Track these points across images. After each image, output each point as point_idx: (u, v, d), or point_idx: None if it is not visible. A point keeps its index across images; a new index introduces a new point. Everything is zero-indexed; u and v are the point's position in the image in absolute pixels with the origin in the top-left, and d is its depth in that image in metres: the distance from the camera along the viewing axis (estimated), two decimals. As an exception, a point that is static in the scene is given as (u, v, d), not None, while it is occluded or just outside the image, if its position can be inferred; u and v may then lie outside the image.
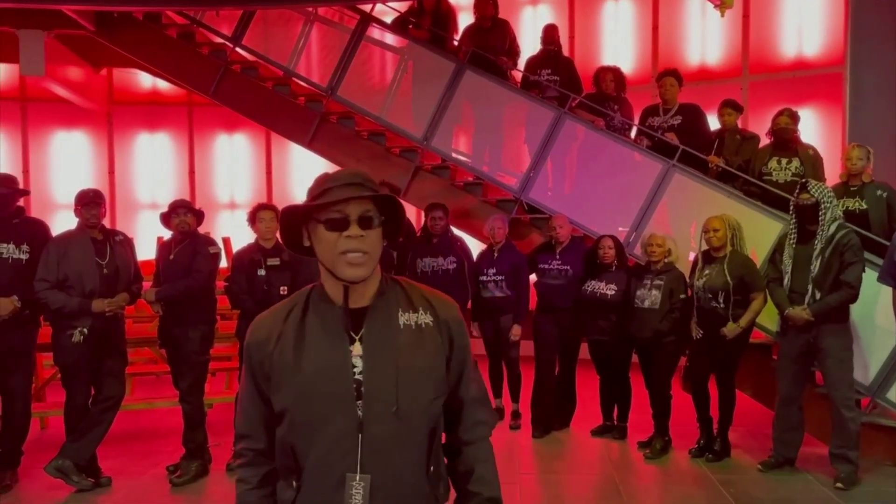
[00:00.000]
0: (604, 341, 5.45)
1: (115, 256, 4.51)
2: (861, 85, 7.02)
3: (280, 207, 5.01)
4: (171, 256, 4.71)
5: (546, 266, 5.65)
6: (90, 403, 4.53)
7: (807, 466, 4.81)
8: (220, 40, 7.66)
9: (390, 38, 7.44)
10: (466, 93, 6.89)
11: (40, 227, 4.58)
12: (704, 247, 5.00)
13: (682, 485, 4.65)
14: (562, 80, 6.84)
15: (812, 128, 7.35)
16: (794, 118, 5.65)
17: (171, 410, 5.27)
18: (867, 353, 4.98)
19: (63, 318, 4.36)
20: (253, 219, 4.90)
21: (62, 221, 5.45)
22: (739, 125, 6.25)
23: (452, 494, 1.72)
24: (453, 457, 1.70)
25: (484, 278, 5.73)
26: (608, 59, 8.13)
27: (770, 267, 4.85)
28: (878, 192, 5.27)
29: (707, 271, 4.93)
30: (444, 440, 1.69)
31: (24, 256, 4.38)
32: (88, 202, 4.45)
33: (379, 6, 7.37)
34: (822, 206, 4.51)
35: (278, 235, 4.93)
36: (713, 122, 6.37)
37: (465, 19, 7.78)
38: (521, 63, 7.21)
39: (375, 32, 7.34)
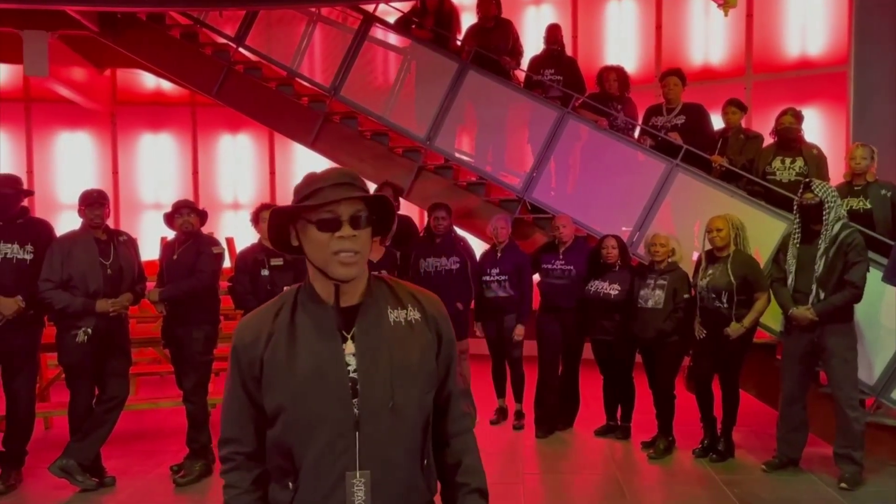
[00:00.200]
0: (607, 341, 5.44)
1: (119, 257, 4.52)
2: (865, 84, 7.00)
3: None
4: (175, 256, 4.72)
5: (549, 266, 5.64)
6: (94, 403, 4.54)
7: (811, 467, 4.80)
8: (223, 41, 7.68)
9: (393, 39, 7.45)
10: (469, 93, 6.89)
11: (44, 228, 4.59)
12: (708, 246, 4.99)
13: (686, 485, 4.65)
14: (565, 80, 6.83)
15: (816, 127, 7.32)
16: (798, 118, 5.64)
17: (175, 410, 5.28)
18: (871, 352, 4.96)
19: (67, 318, 4.37)
20: (256, 219, 4.91)
21: (66, 222, 5.48)
22: (743, 125, 6.24)
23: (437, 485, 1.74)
24: (440, 449, 1.72)
25: (487, 278, 5.73)
26: (611, 58, 8.12)
27: (774, 267, 4.84)
28: (883, 192, 5.26)
29: (710, 271, 4.92)
30: None
31: (28, 257, 4.39)
32: (92, 202, 4.46)
33: (382, 6, 7.38)
34: (826, 205, 4.50)
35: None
36: (717, 122, 6.36)
37: (467, 19, 7.77)
38: (525, 63, 7.20)
39: (378, 32, 7.34)
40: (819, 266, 4.50)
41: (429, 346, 1.64)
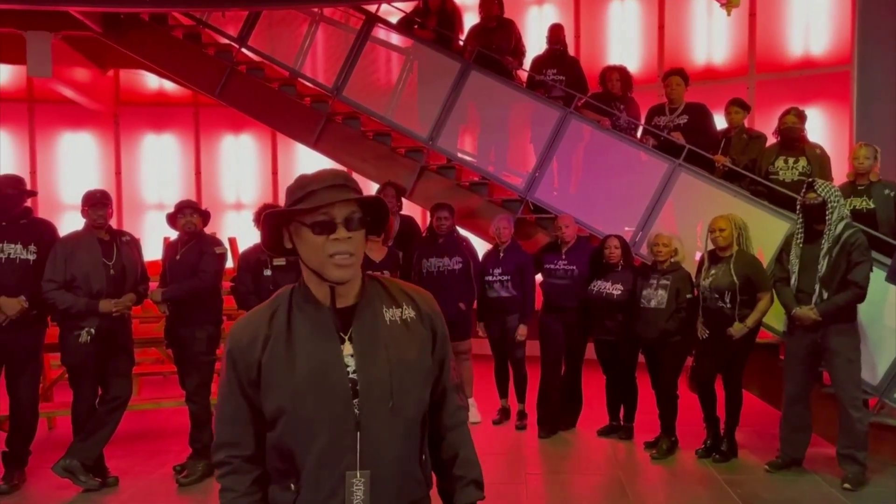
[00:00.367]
0: (610, 341, 5.44)
1: (122, 257, 4.53)
2: (868, 84, 6.98)
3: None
4: (178, 257, 4.72)
5: (552, 266, 5.64)
6: (97, 403, 4.55)
7: (814, 467, 4.79)
8: (225, 41, 7.69)
9: (396, 39, 7.45)
10: (472, 93, 6.88)
11: (47, 228, 4.60)
12: (710, 246, 4.98)
13: (689, 485, 4.64)
14: (567, 80, 6.83)
15: (819, 127, 7.31)
16: (801, 117, 5.63)
17: (178, 410, 5.28)
18: (875, 352, 4.95)
19: (70, 318, 4.38)
20: (259, 219, 4.91)
21: (69, 222, 5.49)
22: (746, 124, 6.23)
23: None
24: (436, 442, 1.74)
25: (490, 278, 5.73)
26: (614, 58, 8.12)
27: (777, 266, 4.83)
28: (886, 191, 5.25)
29: (713, 271, 4.91)
30: None
31: (31, 257, 4.40)
32: (95, 203, 4.47)
33: (384, 6, 7.37)
34: (829, 205, 4.49)
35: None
36: (719, 122, 6.35)
37: (470, 19, 7.77)
38: (527, 63, 7.20)
39: (381, 33, 7.34)
40: (822, 266, 4.49)
41: (425, 343, 1.66)
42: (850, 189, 5.31)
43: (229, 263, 5.47)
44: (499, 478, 4.67)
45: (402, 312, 1.65)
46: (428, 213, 6.28)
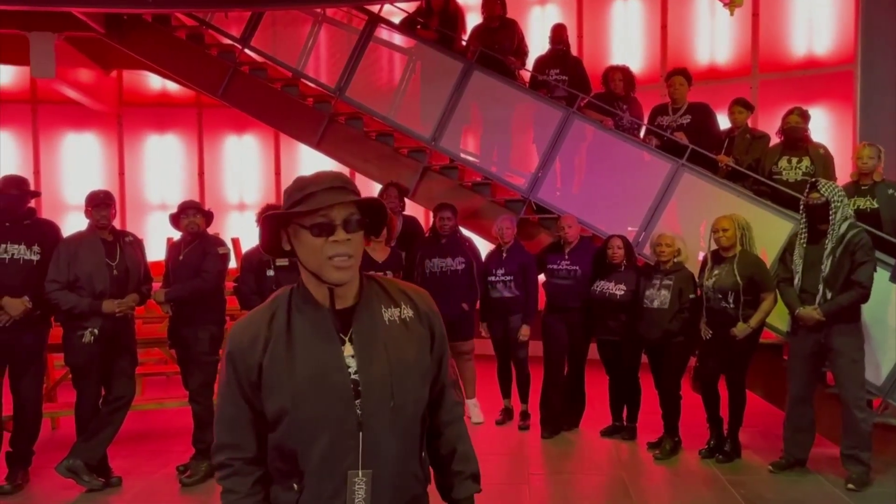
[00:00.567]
0: (613, 341, 5.44)
1: (125, 257, 4.53)
2: (872, 83, 6.97)
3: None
4: (181, 257, 4.73)
5: (555, 266, 5.64)
6: (101, 403, 4.55)
7: (818, 467, 4.78)
8: (228, 42, 7.69)
9: (398, 39, 7.45)
10: (474, 93, 6.88)
11: (51, 229, 4.60)
12: (714, 246, 4.97)
13: (692, 486, 4.64)
14: (570, 80, 6.82)
15: (823, 127, 7.30)
16: (805, 117, 5.62)
17: (181, 411, 5.28)
18: (879, 353, 4.94)
19: (74, 318, 4.39)
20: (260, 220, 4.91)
21: (73, 223, 5.49)
22: (749, 124, 6.22)
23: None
24: (434, 438, 1.76)
25: (492, 279, 5.73)
26: (617, 58, 8.11)
27: (780, 267, 4.82)
28: (890, 191, 5.24)
29: (716, 271, 4.90)
30: None
31: (35, 257, 4.40)
32: (99, 203, 4.48)
33: (387, 7, 7.37)
34: (833, 205, 4.48)
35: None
36: (723, 122, 6.34)
37: (473, 19, 7.76)
38: (530, 63, 7.20)
39: (383, 33, 7.34)
40: (826, 266, 4.48)
41: (423, 342, 1.68)
42: (853, 189, 5.30)
43: (232, 264, 5.48)
44: (501, 478, 4.67)
45: (400, 312, 1.66)
46: (431, 214, 6.28)
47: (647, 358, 5.38)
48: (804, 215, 4.63)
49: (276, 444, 1.60)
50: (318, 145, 7.36)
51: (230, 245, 5.45)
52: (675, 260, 5.17)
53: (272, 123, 7.96)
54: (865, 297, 4.47)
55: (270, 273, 4.76)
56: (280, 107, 7.47)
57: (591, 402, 5.91)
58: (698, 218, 5.98)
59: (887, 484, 4.53)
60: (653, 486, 4.68)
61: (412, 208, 6.96)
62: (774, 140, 5.86)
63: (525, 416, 5.88)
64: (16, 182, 4.46)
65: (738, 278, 4.79)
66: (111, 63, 8.74)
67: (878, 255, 4.70)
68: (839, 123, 7.62)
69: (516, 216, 6.32)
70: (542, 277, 5.80)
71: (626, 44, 8.73)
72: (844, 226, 4.48)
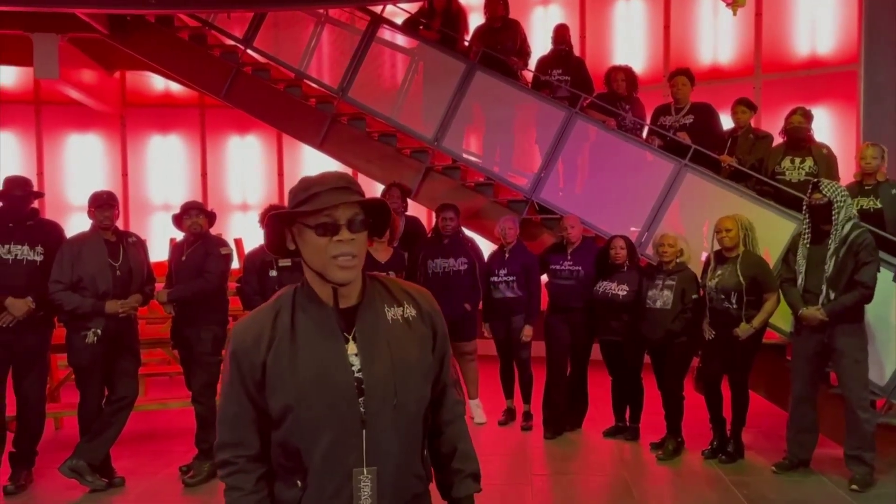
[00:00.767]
0: (616, 342, 5.43)
1: (129, 258, 4.54)
2: (875, 83, 6.95)
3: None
4: (184, 258, 4.74)
5: (557, 267, 5.63)
6: (104, 404, 4.56)
7: (821, 468, 4.78)
8: (231, 42, 7.70)
9: (401, 40, 7.45)
10: (477, 93, 6.88)
11: (54, 229, 4.61)
12: (716, 247, 4.97)
13: (695, 486, 4.63)
14: (573, 80, 6.82)
15: (826, 127, 7.29)
16: (808, 117, 5.61)
17: (184, 411, 5.29)
18: (882, 353, 4.93)
19: (77, 319, 4.40)
20: (264, 220, 4.92)
21: (76, 223, 5.50)
22: (752, 124, 6.21)
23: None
24: (435, 437, 1.77)
25: (495, 279, 5.73)
26: (619, 58, 8.10)
27: (784, 267, 4.81)
28: (893, 191, 5.22)
29: (719, 272, 4.90)
30: None
31: (38, 258, 4.41)
32: (102, 204, 4.49)
33: (389, 7, 7.38)
34: (836, 205, 4.47)
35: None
36: (726, 122, 6.33)
37: (475, 20, 7.77)
38: (532, 63, 7.19)
39: (386, 34, 7.35)
40: (829, 266, 4.47)
41: (426, 341, 1.69)
42: (857, 189, 5.29)
43: (235, 264, 5.48)
44: (504, 478, 4.67)
45: (403, 311, 1.68)
46: (433, 214, 6.28)
47: (649, 358, 5.38)
48: (807, 215, 4.62)
49: (279, 441, 1.61)
50: (321, 146, 7.36)
51: (233, 245, 5.46)
52: (678, 260, 5.16)
53: (275, 124, 7.97)
54: (869, 298, 4.46)
55: (273, 273, 4.76)
56: (283, 107, 7.48)
57: (594, 403, 5.90)
58: (701, 218, 5.97)
59: (890, 485, 4.52)
60: (656, 487, 4.68)
61: (415, 209, 6.96)
62: (777, 140, 5.85)
63: (528, 416, 5.88)
64: (19, 183, 4.47)
65: (741, 278, 4.78)
66: (114, 64, 8.76)
67: (882, 255, 4.69)
68: (842, 123, 7.60)
69: (519, 216, 6.32)
70: (544, 278, 5.79)
71: (629, 44, 8.73)
72: (848, 226, 4.47)
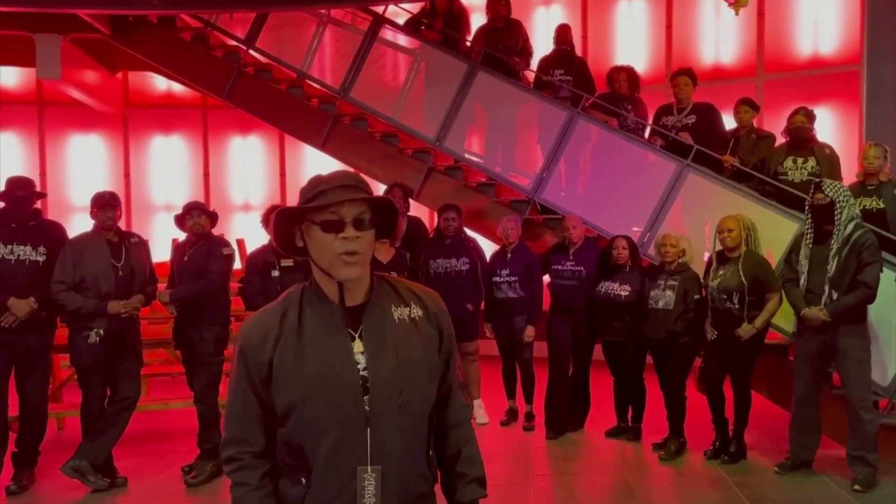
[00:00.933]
0: (618, 342, 5.43)
1: (131, 258, 4.55)
2: (878, 83, 6.95)
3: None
4: (186, 258, 4.74)
5: (559, 267, 5.63)
6: (106, 404, 4.57)
7: (824, 468, 4.77)
8: (233, 43, 7.70)
9: (403, 40, 7.45)
10: (479, 93, 6.88)
11: (57, 230, 4.62)
12: (719, 247, 4.96)
13: (698, 486, 4.62)
14: (575, 81, 6.82)
15: (828, 127, 7.27)
16: (810, 117, 5.60)
17: (186, 411, 5.30)
18: (885, 353, 4.92)
19: (79, 319, 4.40)
20: (267, 220, 4.93)
21: (78, 224, 5.51)
22: (754, 124, 6.20)
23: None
24: (440, 439, 1.77)
25: (497, 279, 5.73)
26: (621, 58, 8.09)
27: (786, 267, 4.81)
28: (896, 191, 5.22)
29: (721, 272, 4.89)
30: None
31: (40, 258, 4.42)
32: (104, 205, 4.49)
33: (391, 7, 7.38)
34: (838, 205, 4.46)
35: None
36: (728, 122, 6.33)
37: (477, 20, 7.77)
38: (534, 63, 7.19)
39: (388, 34, 7.35)
40: (832, 266, 4.46)
41: (431, 342, 1.70)
42: (859, 189, 5.28)
43: (237, 264, 5.48)
44: (506, 479, 4.67)
45: (409, 311, 1.69)
46: (435, 214, 6.28)
47: (651, 359, 5.37)
48: (809, 216, 4.62)
49: (284, 439, 1.62)
50: (323, 146, 7.37)
51: (235, 246, 5.46)
52: (680, 260, 5.16)
53: (277, 124, 7.98)
54: (871, 298, 4.45)
55: (275, 274, 4.77)
56: (285, 108, 7.48)
57: (596, 403, 5.90)
58: (703, 218, 5.97)
59: (893, 485, 4.51)
60: (658, 487, 4.67)
61: (417, 209, 6.96)
62: (780, 140, 5.85)
63: (530, 416, 5.88)
64: (22, 183, 4.48)
65: (743, 279, 4.78)
66: (117, 64, 8.77)
67: (885, 255, 4.68)
68: (845, 123, 7.59)
69: (521, 217, 6.32)
70: (546, 278, 5.79)
71: (631, 44, 8.72)
72: (850, 226, 4.46)
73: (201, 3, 6.90)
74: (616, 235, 5.57)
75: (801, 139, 5.58)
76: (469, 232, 6.23)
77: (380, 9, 7.24)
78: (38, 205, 4.63)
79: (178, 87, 9.34)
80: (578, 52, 7.67)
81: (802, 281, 4.59)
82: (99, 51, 8.23)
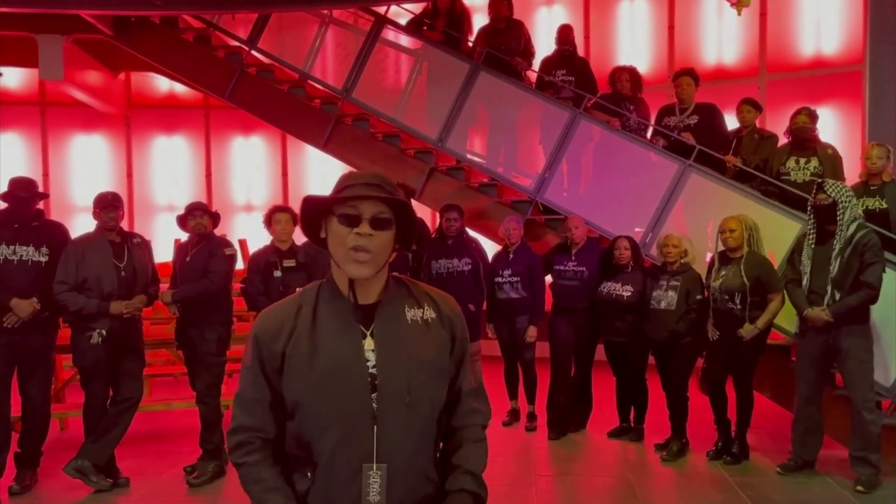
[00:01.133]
0: (620, 343, 5.42)
1: (133, 259, 4.55)
2: (881, 83, 6.94)
3: (296, 210, 5.05)
4: (188, 258, 4.75)
5: (561, 267, 5.63)
6: (108, 404, 4.57)
7: (826, 469, 4.76)
8: (236, 43, 7.71)
9: (405, 40, 7.46)
10: (481, 94, 6.88)
11: (59, 230, 4.62)
12: (721, 247, 4.95)
13: (700, 487, 4.62)
14: (577, 81, 6.82)
15: (831, 127, 7.27)
16: (813, 117, 5.60)
17: (189, 411, 5.30)
18: (888, 354, 4.91)
19: (82, 319, 4.41)
20: (269, 221, 4.93)
21: (81, 224, 5.51)
22: (757, 124, 6.20)
23: None
24: (446, 441, 1.77)
25: (499, 279, 5.72)
26: (624, 58, 8.09)
27: (788, 268, 4.80)
28: (899, 192, 5.21)
29: (723, 272, 4.89)
30: None
31: (43, 259, 4.42)
32: (107, 205, 4.50)
33: (393, 8, 7.38)
34: (840, 205, 4.45)
35: (294, 237, 4.96)
36: (730, 122, 6.32)
37: (479, 20, 7.77)
38: (536, 64, 7.19)
39: (390, 34, 7.36)
40: (834, 267, 4.46)
41: (443, 344, 1.71)
42: (862, 189, 5.27)
43: (239, 265, 5.49)
44: (508, 479, 4.66)
45: (423, 313, 1.70)
46: (437, 215, 6.28)
47: (654, 359, 5.37)
48: (812, 216, 4.61)
49: (293, 432, 1.64)
50: (325, 146, 7.37)
51: (237, 246, 5.46)
52: (682, 261, 5.15)
53: (279, 125, 7.98)
54: (874, 298, 4.45)
55: (277, 274, 4.77)
56: (287, 108, 7.49)
57: (599, 404, 5.90)
58: (705, 219, 5.96)
59: (895, 486, 4.51)
60: (660, 488, 4.67)
61: (418, 209, 6.91)
62: (782, 140, 5.84)
63: (532, 417, 5.88)
64: (24, 184, 4.48)
65: (745, 279, 4.77)
66: (119, 65, 8.79)
67: (887, 255, 4.67)
68: (847, 123, 7.58)
69: (523, 217, 6.32)
70: (548, 278, 5.79)
71: (633, 44, 8.72)
72: (853, 226, 4.45)
73: (204, 3, 6.91)
74: (618, 236, 5.56)
75: (804, 139, 5.57)
76: (471, 232, 6.23)
77: (382, 9, 7.25)
78: (41, 205, 4.63)
79: (180, 88, 9.35)
80: (580, 52, 7.67)
81: (805, 281, 4.58)
82: (101, 51, 8.25)
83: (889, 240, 4.90)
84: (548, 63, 7.05)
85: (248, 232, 8.27)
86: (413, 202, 6.44)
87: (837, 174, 5.46)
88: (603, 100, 6.65)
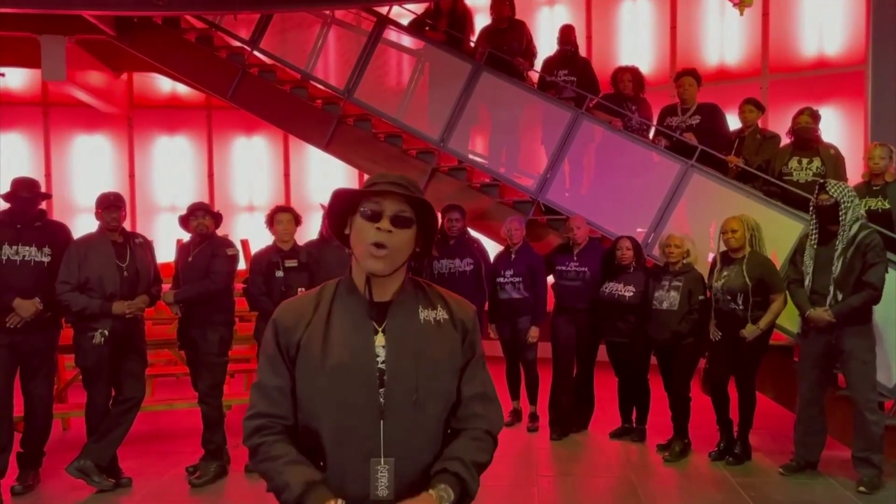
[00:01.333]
0: (622, 343, 5.42)
1: (136, 259, 4.55)
2: (883, 83, 6.92)
3: (298, 210, 5.06)
4: (190, 258, 4.75)
5: (563, 267, 5.62)
6: (111, 405, 4.57)
7: (829, 470, 4.76)
8: (238, 44, 7.72)
9: (407, 41, 7.46)
10: (483, 94, 6.88)
11: (62, 231, 4.63)
12: (723, 248, 4.95)
13: (702, 488, 4.62)
14: (579, 81, 6.81)
15: (834, 127, 7.26)
16: (815, 117, 5.58)
17: (191, 411, 5.30)
18: (890, 354, 4.91)
19: (84, 320, 4.41)
20: (271, 221, 4.93)
21: (83, 224, 5.52)
22: (759, 125, 6.19)
23: None
24: (448, 442, 1.76)
25: (501, 280, 5.72)
26: (626, 59, 8.09)
27: (791, 268, 4.79)
28: (901, 192, 5.20)
29: (726, 273, 4.88)
30: None
31: (45, 259, 4.43)
32: (109, 205, 4.50)
33: (395, 8, 7.38)
34: (843, 206, 4.45)
35: (296, 237, 4.97)
36: (732, 122, 6.31)
37: (481, 20, 7.77)
38: (538, 64, 7.19)
39: (392, 35, 7.35)
40: (836, 267, 4.45)
41: (454, 346, 1.73)
42: (865, 189, 5.27)
43: (241, 265, 5.49)
44: (510, 479, 4.65)
45: (435, 314, 1.73)
46: (439, 215, 6.27)
47: (656, 359, 5.36)
48: (814, 216, 4.60)
49: (302, 423, 1.66)
50: (327, 147, 7.37)
51: (239, 246, 5.47)
52: (685, 261, 5.15)
53: (281, 125, 7.99)
54: (877, 299, 4.44)
55: (279, 274, 4.77)
56: (289, 108, 7.49)
57: (601, 404, 5.90)
58: (708, 219, 5.96)
59: (899, 487, 4.50)
60: (662, 489, 4.66)
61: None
62: (785, 140, 5.83)
63: (534, 417, 5.88)
64: (27, 184, 4.49)
65: (748, 279, 4.77)
66: (121, 66, 8.79)
67: (890, 255, 4.67)
68: (850, 124, 7.57)
69: (525, 217, 6.31)
70: (550, 279, 5.78)
71: (635, 44, 8.72)
72: (855, 227, 4.45)
73: (206, 4, 6.91)
74: (620, 236, 5.56)
75: (806, 139, 5.57)
76: (473, 232, 6.23)
77: (384, 10, 7.25)
78: (43, 206, 4.63)
79: (182, 88, 9.36)
80: (582, 52, 7.67)
81: (807, 282, 4.58)
82: (104, 52, 8.25)
83: (892, 240, 4.90)
84: (549, 63, 7.05)
85: (250, 232, 8.27)
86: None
87: (840, 174, 5.45)
88: (605, 100, 6.64)
